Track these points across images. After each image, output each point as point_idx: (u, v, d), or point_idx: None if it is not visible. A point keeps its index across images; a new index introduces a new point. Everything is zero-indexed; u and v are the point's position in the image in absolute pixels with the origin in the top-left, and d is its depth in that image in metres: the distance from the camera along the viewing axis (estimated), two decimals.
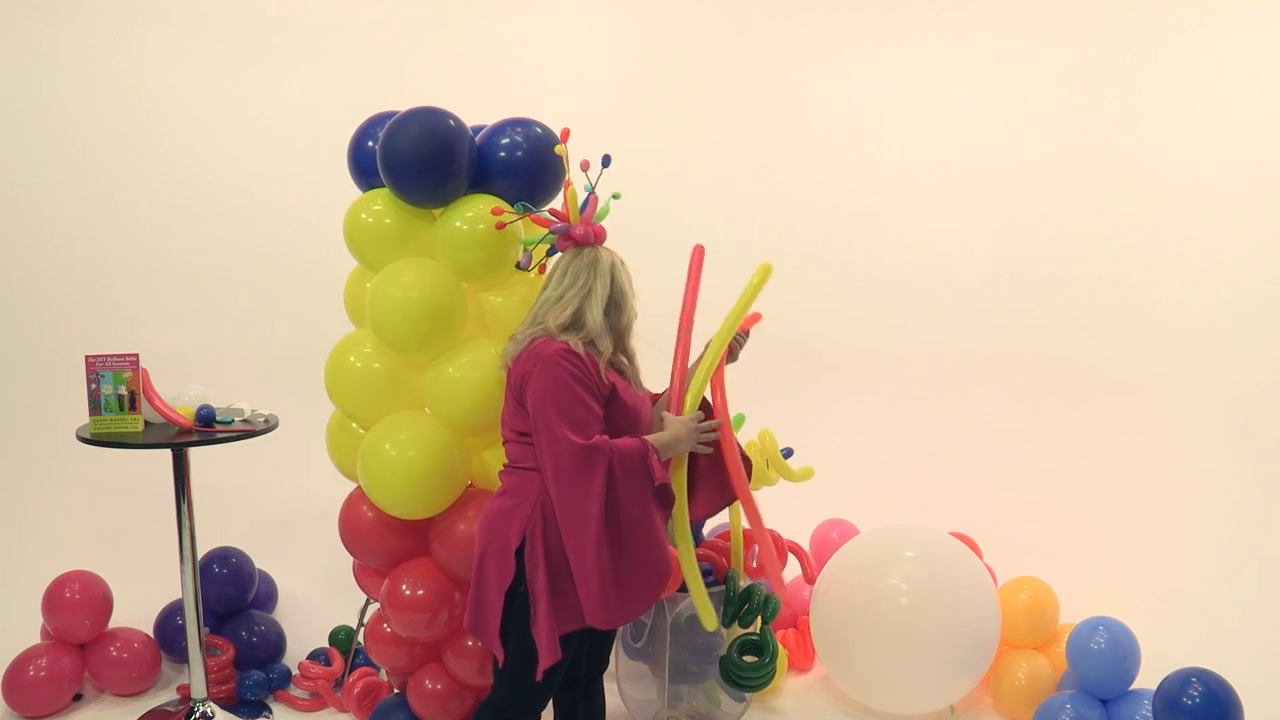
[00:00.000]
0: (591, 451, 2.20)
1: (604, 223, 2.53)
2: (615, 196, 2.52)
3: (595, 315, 2.34)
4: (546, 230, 2.50)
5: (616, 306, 2.40)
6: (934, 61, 4.47)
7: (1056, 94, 4.32)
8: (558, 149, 2.54)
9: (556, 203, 2.60)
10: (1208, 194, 4.06)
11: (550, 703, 2.55)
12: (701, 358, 2.61)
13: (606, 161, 2.48)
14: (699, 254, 2.61)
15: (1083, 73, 4.27)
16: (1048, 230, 4.32)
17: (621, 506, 2.24)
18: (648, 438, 2.34)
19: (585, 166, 2.48)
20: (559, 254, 2.48)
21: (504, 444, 2.44)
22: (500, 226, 2.58)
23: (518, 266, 2.70)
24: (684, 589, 3.00)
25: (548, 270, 2.49)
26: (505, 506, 2.34)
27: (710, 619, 2.61)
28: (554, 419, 2.20)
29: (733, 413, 3.11)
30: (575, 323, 2.34)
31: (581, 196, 2.50)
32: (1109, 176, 4.23)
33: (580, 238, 2.43)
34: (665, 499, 2.38)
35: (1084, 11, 4.26)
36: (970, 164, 4.43)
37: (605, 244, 2.48)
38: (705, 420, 2.49)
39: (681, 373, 2.54)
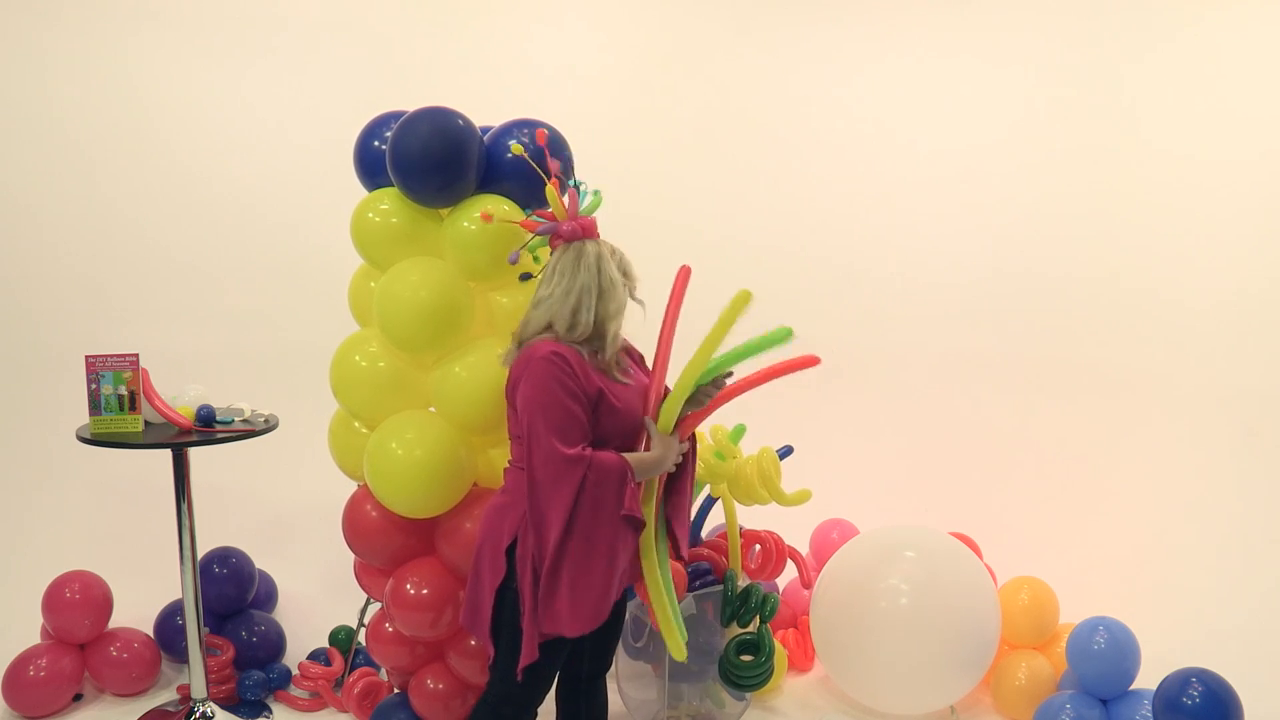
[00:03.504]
0: (571, 462, 2.19)
1: (601, 221, 2.50)
2: (597, 196, 2.50)
3: (585, 312, 2.31)
4: (533, 233, 2.48)
5: (604, 296, 2.34)
6: (934, 61, 4.48)
7: (1056, 94, 4.32)
8: (514, 149, 2.53)
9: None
10: (1208, 193, 4.07)
11: (553, 701, 2.55)
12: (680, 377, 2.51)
13: (555, 152, 2.51)
14: (684, 275, 2.54)
15: (1082, 73, 4.28)
16: (1047, 230, 4.32)
17: (579, 523, 2.21)
18: (628, 457, 2.30)
19: (554, 173, 2.48)
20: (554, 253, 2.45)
21: (511, 439, 2.45)
22: (486, 218, 2.55)
23: (510, 263, 2.65)
24: (691, 589, 3.01)
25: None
26: (502, 504, 2.36)
27: (679, 651, 2.49)
28: (539, 423, 2.20)
29: (731, 425, 3.11)
30: (563, 321, 2.31)
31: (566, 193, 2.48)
32: (1109, 176, 4.24)
33: (569, 234, 2.39)
34: (632, 526, 2.33)
35: (1084, 11, 4.26)
36: (970, 163, 4.43)
37: (599, 237, 2.44)
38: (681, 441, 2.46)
39: (657, 392, 2.48)
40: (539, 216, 2.48)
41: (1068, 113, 4.30)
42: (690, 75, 4.57)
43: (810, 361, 2.49)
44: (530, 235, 2.50)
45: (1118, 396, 4.18)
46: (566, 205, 2.44)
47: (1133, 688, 3.02)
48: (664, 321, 2.51)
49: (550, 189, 2.45)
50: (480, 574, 2.35)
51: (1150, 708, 2.88)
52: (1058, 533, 4.05)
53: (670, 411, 2.43)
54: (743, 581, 3.07)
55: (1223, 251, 4.03)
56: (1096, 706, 2.99)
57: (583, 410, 2.24)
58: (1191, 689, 2.74)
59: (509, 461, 2.44)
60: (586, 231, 2.41)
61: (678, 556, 2.63)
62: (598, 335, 2.34)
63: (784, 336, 2.42)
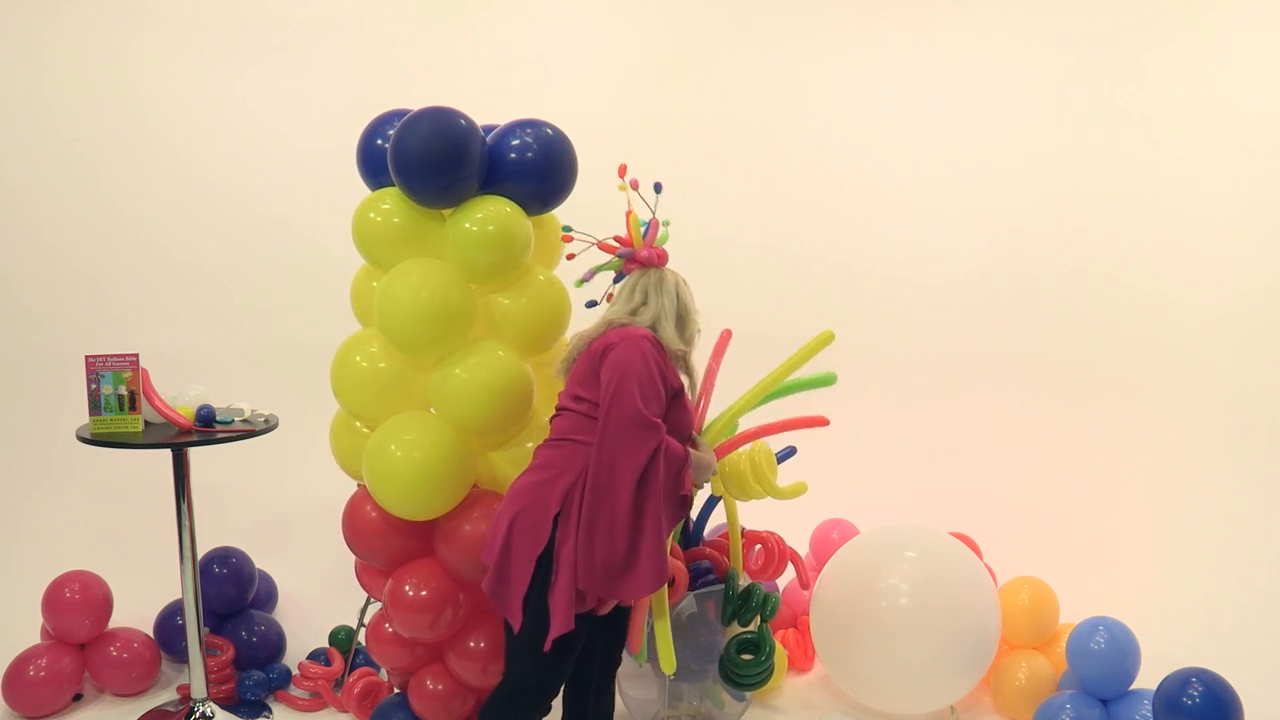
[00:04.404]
0: (653, 427, 2.28)
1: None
2: (666, 224, 2.70)
3: (667, 331, 2.48)
4: (612, 255, 2.64)
5: (681, 322, 2.54)
6: (934, 61, 4.48)
7: (1057, 94, 4.32)
8: (620, 187, 2.65)
9: (620, 228, 2.68)
10: (1208, 194, 4.06)
11: (559, 700, 2.56)
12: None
13: (658, 188, 2.66)
14: (725, 339, 2.83)
15: (1083, 73, 4.28)
16: (1048, 230, 4.32)
17: (649, 493, 2.28)
18: (690, 449, 2.46)
19: (635, 185, 2.64)
20: (625, 277, 2.62)
21: (554, 417, 2.49)
22: (570, 257, 2.73)
23: (580, 283, 2.76)
24: (692, 588, 3.02)
25: (616, 293, 2.63)
26: (542, 479, 2.37)
27: (670, 663, 2.62)
28: (631, 384, 2.28)
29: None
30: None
31: (644, 219, 2.66)
32: (1109, 176, 4.23)
33: (645, 260, 2.58)
34: (683, 509, 2.49)
35: (1084, 12, 4.26)
36: (970, 164, 4.43)
37: (668, 265, 2.62)
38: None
39: (700, 413, 2.76)
40: (616, 240, 2.64)
41: (1068, 113, 4.29)
42: (691, 75, 4.57)
43: (818, 422, 2.85)
44: (609, 258, 2.66)
45: (1118, 396, 4.18)
46: (645, 233, 2.63)
47: (1133, 688, 3.02)
48: (703, 385, 2.79)
49: (633, 217, 2.62)
50: (512, 543, 2.33)
51: (1150, 708, 2.88)
52: (1058, 533, 4.05)
53: (722, 428, 2.71)
54: (744, 581, 3.07)
55: (1223, 251, 4.03)
56: (1096, 706, 2.99)
57: (665, 394, 2.37)
58: (1191, 689, 2.74)
59: (545, 441, 2.48)
60: (661, 259, 2.61)
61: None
62: (674, 355, 2.50)
63: (827, 381, 2.82)
